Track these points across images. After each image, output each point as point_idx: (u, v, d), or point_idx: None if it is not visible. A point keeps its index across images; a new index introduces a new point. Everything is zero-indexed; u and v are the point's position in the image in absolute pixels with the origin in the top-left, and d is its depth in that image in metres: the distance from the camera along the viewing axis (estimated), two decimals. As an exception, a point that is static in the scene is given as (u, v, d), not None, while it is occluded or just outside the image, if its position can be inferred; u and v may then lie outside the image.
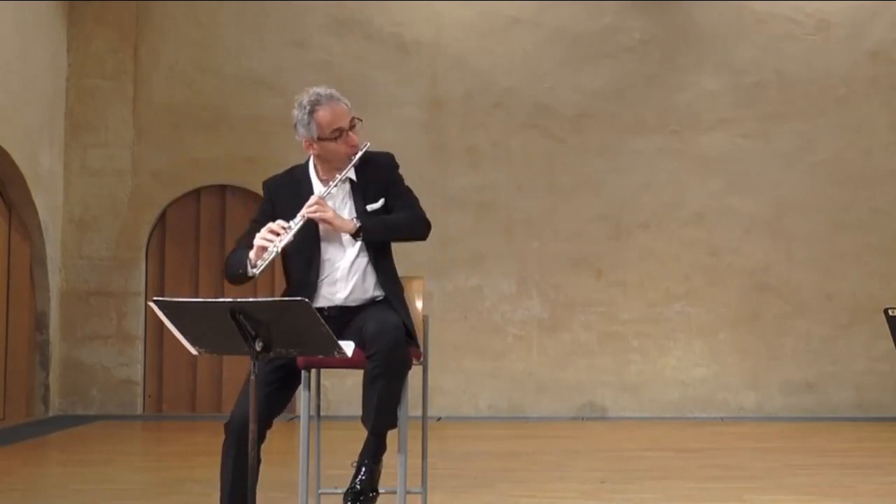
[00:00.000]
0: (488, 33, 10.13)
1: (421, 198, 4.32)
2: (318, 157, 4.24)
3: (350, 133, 4.18)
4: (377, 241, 4.21)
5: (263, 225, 4.09)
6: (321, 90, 4.18)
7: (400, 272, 4.39)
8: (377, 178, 4.24)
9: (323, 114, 4.13)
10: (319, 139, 4.15)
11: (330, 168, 4.22)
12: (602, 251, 10.05)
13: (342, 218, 4.15)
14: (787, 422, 9.58)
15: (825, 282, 9.99)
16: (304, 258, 4.20)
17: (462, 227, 9.95)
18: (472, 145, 10.07)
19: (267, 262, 3.99)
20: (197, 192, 10.14)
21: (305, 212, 4.07)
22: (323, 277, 4.20)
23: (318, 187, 4.23)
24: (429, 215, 4.37)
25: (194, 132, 10.06)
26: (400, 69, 10.02)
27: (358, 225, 4.14)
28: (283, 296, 4.27)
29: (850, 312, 9.92)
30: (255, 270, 4.00)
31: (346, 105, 4.20)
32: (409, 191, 4.33)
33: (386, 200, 4.24)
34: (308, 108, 4.13)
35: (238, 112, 10.02)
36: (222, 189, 10.07)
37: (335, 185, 4.17)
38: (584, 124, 10.09)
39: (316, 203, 4.09)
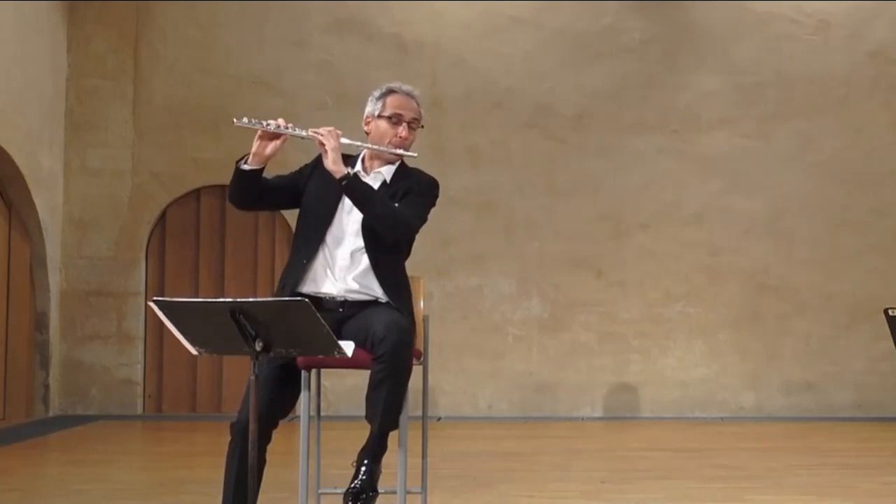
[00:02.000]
0: (488, 33, 10.13)
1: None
2: (368, 135, 4.31)
3: (407, 125, 4.28)
4: (358, 206, 4.13)
5: (288, 178, 4.30)
6: (407, 86, 4.39)
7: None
8: (406, 190, 4.26)
9: (396, 96, 4.32)
10: (378, 116, 4.28)
11: (376, 157, 4.29)
12: (602, 251, 10.05)
13: (339, 158, 4.11)
14: (787, 422, 9.58)
15: (825, 282, 9.99)
16: (308, 240, 4.21)
17: (462, 227, 9.95)
18: (472, 145, 10.08)
19: (249, 123, 4.11)
20: (197, 192, 10.14)
21: (314, 130, 4.13)
22: (322, 266, 4.18)
23: (357, 166, 4.28)
24: (429, 215, 4.37)
25: (194, 132, 10.06)
26: (400, 69, 10.01)
27: (347, 173, 4.09)
28: (287, 262, 4.29)
29: (850, 312, 9.92)
30: (238, 122, 4.13)
31: (420, 109, 4.36)
32: (420, 205, 4.27)
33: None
34: (385, 89, 4.34)
35: (238, 112, 9.95)
36: (222, 189, 10.05)
37: (354, 145, 4.20)
38: (584, 124, 10.10)
39: (329, 130, 4.13)
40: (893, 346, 3.86)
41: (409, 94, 4.34)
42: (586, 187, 10.08)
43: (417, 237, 4.42)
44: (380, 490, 4.03)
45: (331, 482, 4.63)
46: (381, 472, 4.06)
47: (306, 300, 3.47)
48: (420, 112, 4.36)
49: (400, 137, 4.27)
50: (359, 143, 4.24)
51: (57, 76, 9.93)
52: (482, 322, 10.04)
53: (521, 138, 10.09)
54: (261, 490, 3.95)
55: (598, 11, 10.14)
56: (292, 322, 3.49)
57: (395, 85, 4.36)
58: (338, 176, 4.08)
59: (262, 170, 4.16)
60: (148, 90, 10.10)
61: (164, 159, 10.07)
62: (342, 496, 4.00)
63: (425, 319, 4.41)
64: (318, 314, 3.48)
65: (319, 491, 4.59)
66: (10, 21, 8.93)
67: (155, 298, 3.55)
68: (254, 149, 4.15)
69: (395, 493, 4.17)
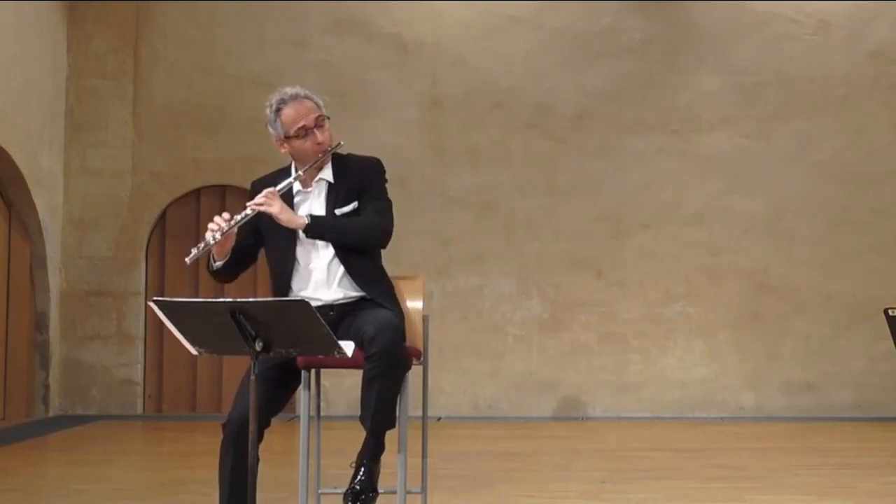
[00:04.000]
0: (488, 33, 10.13)
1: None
2: (291, 155, 4.25)
3: (316, 131, 4.17)
4: (332, 242, 4.15)
5: (246, 229, 4.18)
6: (289, 89, 4.23)
7: (400, 272, 4.38)
8: (355, 181, 4.23)
9: (287, 112, 4.16)
10: (286, 137, 4.19)
11: (306, 167, 4.22)
12: (602, 251, 10.05)
13: (291, 213, 4.12)
14: (787, 422, 9.58)
15: (825, 282, 9.99)
16: (280, 263, 4.23)
17: (462, 227, 9.94)
18: (472, 145, 10.07)
19: (199, 252, 4.02)
20: (197, 192, 10.14)
21: (252, 204, 4.09)
22: (300, 284, 4.19)
23: (295, 187, 4.24)
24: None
25: (194, 132, 10.06)
26: (400, 69, 10.02)
27: (305, 223, 4.11)
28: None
29: (850, 312, 9.92)
30: (189, 258, 4.05)
31: (315, 103, 4.21)
32: (383, 198, 4.26)
33: (359, 204, 4.22)
34: (275, 106, 4.18)
35: (238, 112, 10.02)
36: (222, 189, 10.06)
37: (287, 185, 4.16)
38: (584, 124, 10.10)
39: (264, 196, 4.09)
40: (893, 346, 3.85)
41: (296, 98, 4.18)
42: (586, 187, 10.07)
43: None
44: (380, 490, 4.03)
45: (331, 482, 4.63)
46: (380, 471, 4.06)
47: (306, 300, 3.47)
48: (316, 104, 4.21)
49: (318, 144, 4.18)
50: (290, 179, 4.18)
51: (57, 76, 9.93)
52: (482, 322, 10.04)
53: (521, 138, 10.09)
54: (260, 490, 3.95)
55: (598, 11, 10.13)
56: (292, 322, 3.49)
57: (277, 97, 4.19)
58: (301, 229, 4.10)
59: (232, 257, 4.18)
60: (148, 90, 10.10)
61: (164, 159, 10.08)
62: (342, 496, 4.00)
63: (425, 319, 4.40)
64: (317, 314, 3.48)
65: (319, 491, 4.58)
66: (10, 21, 8.93)
67: (155, 298, 3.55)
68: (214, 251, 4.13)
69: (395, 493, 4.17)
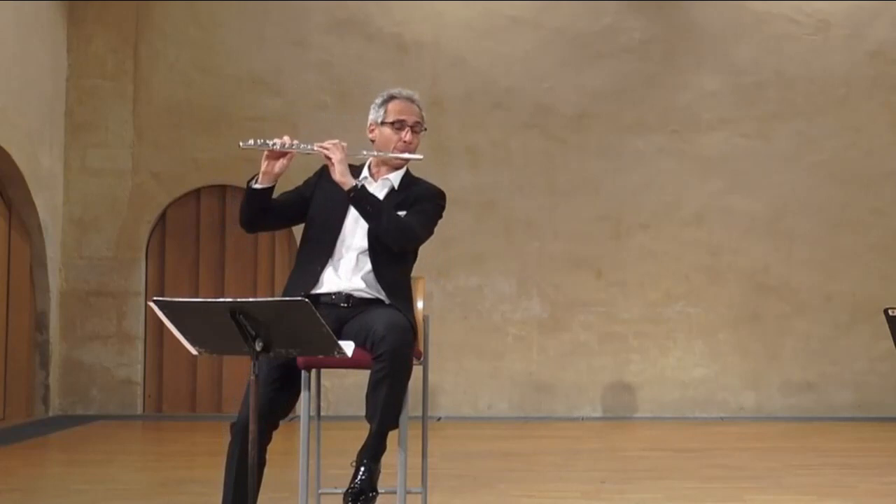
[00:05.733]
0: (488, 33, 10.13)
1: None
2: (373, 142, 4.38)
3: (410, 130, 4.36)
4: (366, 216, 4.19)
5: (295, 193, 4.35)
6: (407, 90, 4.48)
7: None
8: (414, 196, 4.33)
9: (396, 103, 4.39)
10: (382, 123, 4.36)
11: (383, 163, 4.36)
12: (602, 251, 10.05)
13: (347, 168, 4.19)
14: (787, 422, 9.58)
15: (825, 282, 9.99)
16: (322, 231, 4.27)
17: (462, 227, 9.94)
18: (472, 145, 10.07)
19: (256, 144, 4.11)
20: (197, 192, 10.14)
21: (319, 144, 4.19)
22: (335, 259, 4.24)
23: (363, 172, 4.37)
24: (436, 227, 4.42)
25: (194, 132, 10.05)
26: (400, 69, 10.01)
27: (355, 185, 4.16)
28: (293, 269, 4.34)
29: (850, 312, 9.92)
30: (244, 144, 4.12)
31: (421, 112, 4.44)
32: (428, 214, 4.34)
33: (406, 213, 4.30)
34: (386, 96, 4.41)
35: (238, 112, 10.01)
36: (222, 189, 10.06)
37: (366, 156, 4.32)
38: (584, 124, 10.10)
39: (333, 143, 4.20)
40: (893, 346, 3.85)
41: (409, 99, 4.41)
42: (586, 187, 10.08)
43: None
44: (380, 490, 4.03)
45: (331, 482, 4.63)
46: (380, 471, 4.06)
47: (306, 300, 3.47)
48: (422, 115, 4.44)
49: (404, 142, 4.36)
50: (364, 152, 4.33)
51: (57, 76, 9.93)
52: (482, 322, 10.04)
53: (521, 138, 10.09)
54: (261, 490, 3.95)
55: (598, 11, 10.13)
56: (292, 322, 3.49)
57: (395, 91, 4.43)
58: (346, 188, 4.15)
59: (272, 188, 4.22)
60: (148, 90, 10.10)
61: (164, 159, 10.07)
62: (342, 496, 4.00)
63: (425, 319, 4.42)
64: (318, 314, 3.48)
65: (319, 491, 4.59)
66: (10, 21, 8.93)
67: (155, 298, 3.55)
68: (263, 168, 4.19)
69: (394, 493, 4.17)
